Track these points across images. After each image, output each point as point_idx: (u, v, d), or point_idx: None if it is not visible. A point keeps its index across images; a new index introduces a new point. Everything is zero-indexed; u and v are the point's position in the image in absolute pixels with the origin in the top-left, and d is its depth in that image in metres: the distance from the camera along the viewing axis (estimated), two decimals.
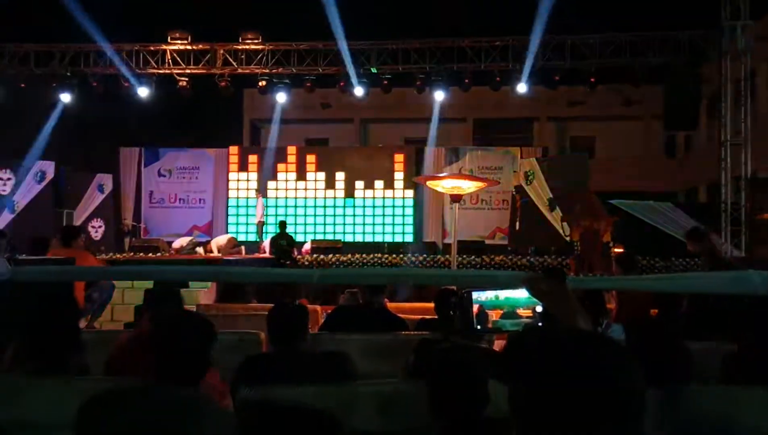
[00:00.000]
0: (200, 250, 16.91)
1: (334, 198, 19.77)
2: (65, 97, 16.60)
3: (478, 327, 2.19)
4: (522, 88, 16.06)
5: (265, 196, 18.98)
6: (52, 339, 3.75)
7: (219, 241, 17.20)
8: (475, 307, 2.18)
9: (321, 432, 1.53)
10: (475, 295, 2.17)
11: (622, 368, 1.08)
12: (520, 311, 2.15)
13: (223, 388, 3.85)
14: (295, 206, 19.82)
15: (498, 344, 3.44)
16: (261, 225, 17.83)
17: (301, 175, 19.89)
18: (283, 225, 15.19)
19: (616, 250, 12.76)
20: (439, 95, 16.52)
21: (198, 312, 3.13)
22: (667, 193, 21.46)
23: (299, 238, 18.27)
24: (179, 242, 17.01)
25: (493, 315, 2.17)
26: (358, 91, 16.45)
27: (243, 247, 17.57)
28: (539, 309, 2.12)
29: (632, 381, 1.08)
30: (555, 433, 1.06)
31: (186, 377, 2.51)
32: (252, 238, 18.59)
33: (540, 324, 2.10)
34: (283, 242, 14.41)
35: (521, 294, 2.10)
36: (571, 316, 1.75)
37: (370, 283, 5.37)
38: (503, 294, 2.16)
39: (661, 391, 2.87)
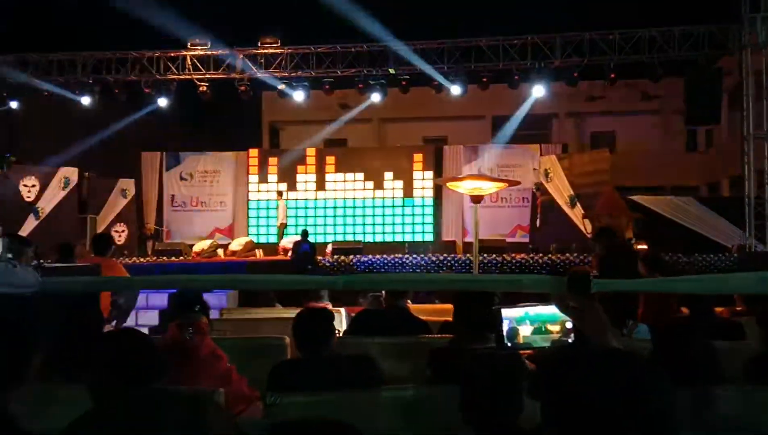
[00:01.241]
0: (221, 252, 17.06)
1: (354, 199, 19.81)
2: (87, 103, 16.82)
3: (509, 344, 2.20)
4: (539, 91, 16.08)
5: (286, 198, 19.07)
6: (78, 347, 3.81)
7: (237, 243, 17.37)
8: (506, 323, 2.19)
9: None
10: (505, 311, 2.17)
11: (653, 386, 1.09)
12: (550, 326, 2.15)
13: (251, 394, 3.90)
14: (315, 208, 19.88)
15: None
16: (283, 227, 17.93)
17: (321, 177, 19.95)
18: (305, 234, 15.19)
19: (639, 246, 12.69)
20: (456, 90, 16.45)
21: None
22: (689, 187, 21.28)
23: (320, 239, 18.37)
24: (200, 245, 17.17)
25: (524, 330, 2.17)
26: (375, 97, 16.61)
27: (261, 250, 17.70)
28: (569, 325, 2.13)
29: (662, 398, 1.09)
30: None
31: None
32: (273, 239, 18.69)
33: (570, 340, 2.11)
34: (307, 247, 14.49)
35: (551, 310, 2.10)
36: (601, 333, 1.76)
37: (395, 288, 5.39)
38: (533, 310, 2.16)
39: (689, 392, 2.87)
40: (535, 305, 2.20)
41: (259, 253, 17.49)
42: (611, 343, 1.71)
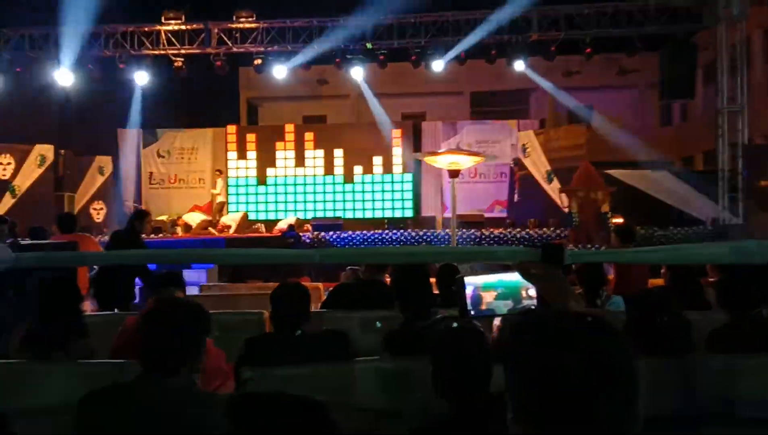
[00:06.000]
0: (213, 229, 17.15)
1: (333, 175, 19.78)
2: (62, 81, 16.53)
3: (472, 311, 2.21)
4: (520, 65, 16.11)
5: (264, 174, 19.24)
6: (55, 324, 3.82)
7: (231, 218, 17.51)
8: (469, 290, 2.20)
9: (309, 421, 1.54)
10: (468, 279, 2.18)
11: (615, 350, 1.10)
12: (514, 293, 2.17)
13: (228, 369, 3.94)
14: (294, 184, 19.84)
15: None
16: (222, 205, 18.27)
17: (300, 153, 19.89)
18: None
19: (615, 220, 12.83)
20: (437, 65, 16.37)
21: (192, 300, 3.04)
22: (664, 161, 21.44)
23: (300, 215, 18.43)
24: (191, 218, 17.42)
25: (488, 297, 2.19)
26: (355, 72, 16.57)
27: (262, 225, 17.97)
28: (532, 292, 2.14)
29: (625, 362, 1.10)
30: (549, 414, 1.09)
31: (179, 367, 2.48)
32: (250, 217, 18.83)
33: (534, 306, 2.12)
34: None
35: (514, 277, 2.10)
36: (563, 300, 1.79)
37: (370, 262, 5.43)
38: (497, 277, 2.17)
39: (662, 362, 2.94)
40: (498, 273, 2.22)
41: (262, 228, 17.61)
42: (573, 309, 1.75)
